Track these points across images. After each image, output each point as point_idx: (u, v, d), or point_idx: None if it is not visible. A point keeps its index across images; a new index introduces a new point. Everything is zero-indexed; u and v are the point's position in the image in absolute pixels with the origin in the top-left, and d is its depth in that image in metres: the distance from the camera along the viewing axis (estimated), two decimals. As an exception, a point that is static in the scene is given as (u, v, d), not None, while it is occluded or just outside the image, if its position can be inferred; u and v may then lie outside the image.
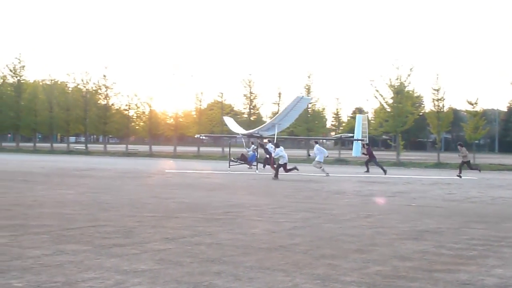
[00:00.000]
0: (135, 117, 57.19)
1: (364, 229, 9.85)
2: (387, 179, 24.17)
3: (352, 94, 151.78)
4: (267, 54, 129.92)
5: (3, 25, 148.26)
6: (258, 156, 30.60)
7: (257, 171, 28.35)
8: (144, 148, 57.45)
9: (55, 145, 63.25)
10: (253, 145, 31.22)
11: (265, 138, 32.53)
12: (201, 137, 37.56)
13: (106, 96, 56.36)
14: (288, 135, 50.39)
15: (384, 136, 65.59)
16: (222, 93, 52.21)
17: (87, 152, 53.27)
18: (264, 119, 58.29)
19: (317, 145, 27.79)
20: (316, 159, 26.82)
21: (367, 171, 29.12)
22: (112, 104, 57.18)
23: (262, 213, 11.81)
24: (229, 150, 32.39)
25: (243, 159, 31.21)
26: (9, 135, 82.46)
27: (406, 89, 42.82)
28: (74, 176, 21.97)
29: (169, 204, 13.00)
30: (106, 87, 56.00)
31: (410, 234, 9.32)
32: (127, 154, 51.30)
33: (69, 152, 54.33)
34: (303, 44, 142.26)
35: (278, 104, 51.33)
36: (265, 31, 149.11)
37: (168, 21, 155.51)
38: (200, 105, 53.32)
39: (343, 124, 63.44)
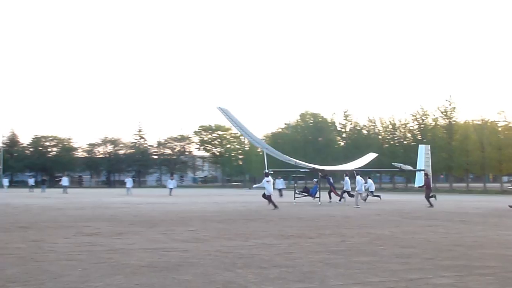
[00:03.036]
0: None
1: None
2: None
3: None
4: None
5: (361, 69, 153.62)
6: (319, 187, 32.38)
7: (319, 203, 30.14)
8: None
9: (487, 185, 62.42)
10: (315, 178, 33.76)
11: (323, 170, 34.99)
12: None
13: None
14: None
15: None
16: None
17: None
18: None
19: (358, 177, 29.69)
20: (357, 189, 29.06)
21: (431, 205, 27.57)
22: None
23: None
24: (295, 183, 35.42)
25: (306, 191, 33.30)
26: (441, 175, 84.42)
27: None
28: (513, 217, 21.14)
29: None
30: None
31: None
32: None
33: (503, 192, 52.78)
34: None
35: None
36: None
37: None
38: None
39: None
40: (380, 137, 72.74)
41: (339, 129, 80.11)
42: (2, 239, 12.96)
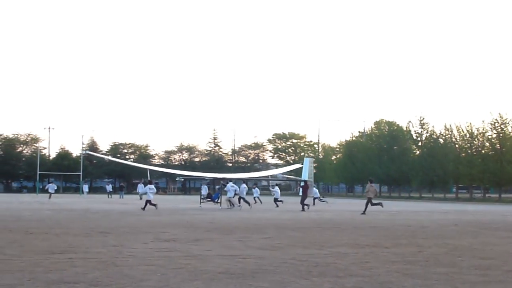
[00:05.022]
0: None
1: None
2: None
3: None
4: None
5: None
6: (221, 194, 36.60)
7: (220, 207, 34.40)
8: None
9: None
10: (217, 186, 39.13)
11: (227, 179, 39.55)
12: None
13: None
14: None
15: None
16: None
17: None
18: None
19: (230, 183, 34.78)
20: (228, 194, 34.08)
21: (303, 210, 32.03)
22: None
23: None
24: (201, 190, 42.46)
25: (209, 196, 38.60)
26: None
27: None
28: None
29: None
30: None
31: None
32: None
33: None
34: None
35: None
36: None
37: None
38: None
39: None
40: (457, 146, 71.01)
41: (414, 137, 78.65)
42: (83, 243, 13.40)
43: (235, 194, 34.90)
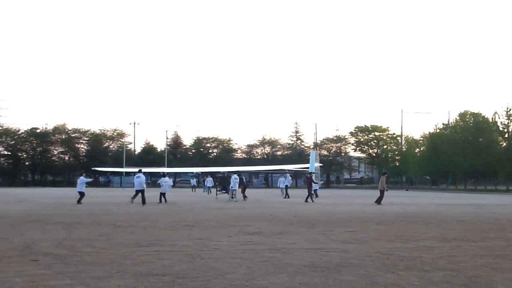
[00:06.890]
0: None
1: None
2: None
3: None
4: None
5: None
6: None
7: (234, 198, 36.03)
8: None
9: None
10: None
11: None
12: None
13: None
14: None
15: None
16: None
17: None
18: None
19: (235, 175, 36.38)
20: (232, 187, 35.64)
21: (307, 200, 34.30)
22: None
23: None
24: (216, 182, 46.58)
25: (224, 189, 40.39)
26: None
27: None
28: None
29: None
30: None
31: None
32: None
33: None
34: None
35: None
36: None
37: None
38: None
39: None
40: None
41: (501, 129, 75.82)
42: (170, 236, 13.72)
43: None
